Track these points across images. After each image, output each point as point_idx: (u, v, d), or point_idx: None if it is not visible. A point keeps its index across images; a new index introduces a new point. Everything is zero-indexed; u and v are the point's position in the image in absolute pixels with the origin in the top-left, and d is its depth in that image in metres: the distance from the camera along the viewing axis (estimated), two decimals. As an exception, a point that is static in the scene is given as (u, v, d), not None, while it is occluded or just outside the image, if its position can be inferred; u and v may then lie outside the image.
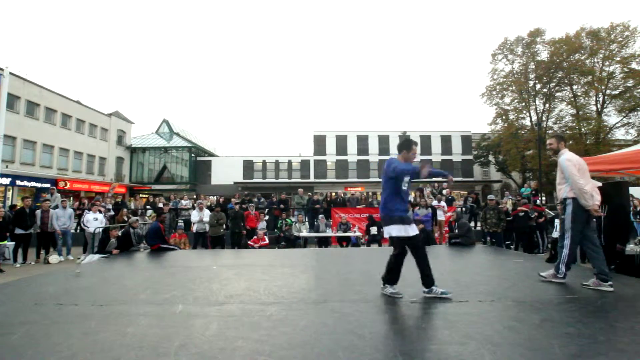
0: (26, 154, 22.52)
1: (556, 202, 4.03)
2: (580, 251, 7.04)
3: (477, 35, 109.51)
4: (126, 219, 9.67)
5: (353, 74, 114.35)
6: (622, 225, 5.79)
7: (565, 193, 3.88)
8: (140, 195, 27.68)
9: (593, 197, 3.72)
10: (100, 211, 9.83)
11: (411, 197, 12.49)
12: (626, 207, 6.09)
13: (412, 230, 3.42)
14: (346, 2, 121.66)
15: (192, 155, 35.43)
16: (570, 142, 27.06)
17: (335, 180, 34.67)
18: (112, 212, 11.16)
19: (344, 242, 10.45)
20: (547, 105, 28.80)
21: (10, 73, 11.44)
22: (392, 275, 3.56)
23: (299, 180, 34.57)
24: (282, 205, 12.26)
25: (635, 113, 25.24)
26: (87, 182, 26.75)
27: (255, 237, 9.81)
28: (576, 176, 3.73)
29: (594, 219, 3.97)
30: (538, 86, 28.99)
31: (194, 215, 10.20)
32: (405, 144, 3.55)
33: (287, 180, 34.67)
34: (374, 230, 9.68)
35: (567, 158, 3.88)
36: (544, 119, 28.40)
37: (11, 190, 21.13)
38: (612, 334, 2.41)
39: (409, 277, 4.39)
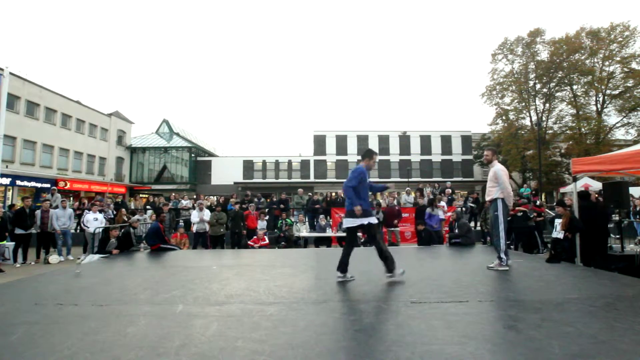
0: (26, 154, 22.51)
1: (485, 200, 5.28)
2: (580, 251, 7.08)
3: (477, 35, 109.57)
4: (125, 219, 9.67)
5: (353, 74, 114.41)
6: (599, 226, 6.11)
7: (496, 194, 4.84)
8: (140, 195, 27.68)
9: (512, 198, 4.99)
10: (100, 211, 9.84)
11: (411, 197, 12.49)
12: (599, 210, 6.44)
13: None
14: (346, 2, 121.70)
15: (192, 155, 35.43)
16: (570, 142, 27.10)
17: (335, 180, 34.66)
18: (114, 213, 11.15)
19: (343, 242, 10.43)
20: (547, 105, 28.82)
21: (10, 73, 11.44)
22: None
23: (299, 180, 34.57)
24: (282, 205, 12.26)
25: (635, 113, 25.25)
26: (87, 182, 26.75)
27: (255, 237, 9.81)
28: (507, 182, 4.86)
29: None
30: (538, 86, 29.01)
31: (194, 215, 10.19)
32: (368, 153, 4.42)
33: (287, 180, 34.68)
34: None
35: (501, 168, 4.94)
36: (544, 119, 28.42)
37: (11, 190, 21.13)
38: (612, 334, 2.40)
39: (410, 277, 4.40)
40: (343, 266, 4.21)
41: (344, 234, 10.17)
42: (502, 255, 4.77)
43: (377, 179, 35.21)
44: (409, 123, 79.89)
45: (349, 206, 4.10)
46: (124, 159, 33.21)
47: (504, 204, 4.82)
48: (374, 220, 4.14)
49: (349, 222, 4.14)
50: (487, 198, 5.00)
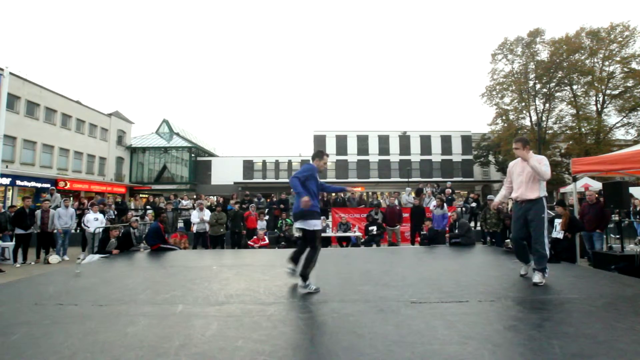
0: (26, 154, 22.50)
1: (519, 201, 4.14)
2: (580, 248, 7.07)
3: (477, 35, 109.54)
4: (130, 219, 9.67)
5: (353, 74, 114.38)
6: None
7: (542, 192, 4.00)
8: (140, 195, 27.67)
9: None
10: (101, 211, 9.86)
11: (411, 197, 12.49)
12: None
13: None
14: (346, 2, 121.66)
15: (192, 155, 35.42)
16: (571, 142, 27.08)
17: (335, 180, 34.65)
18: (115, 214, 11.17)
19: (344, 242, 10.44)
20: (547, 105, 28.80)
21: (10, 73, 11.43)
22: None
23: (299, 180, 34.49)
24: (282, 205, 12.25)
25: (635, 113, 25.23)
26: (87, 182, 26.74)
27: (255, 237, 9.81)
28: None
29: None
30: (538, 86, 28.98)
31: (194, 216, 10.20)
32: (318, 154, 4.10)
33: (287, 180, 34.58)
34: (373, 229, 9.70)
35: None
36: (544, 119, 28.40)
37: (11, 190, 21.12)
38: (612, 334, 2.40)
39: (410, 277, 4.40)
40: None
41: (344, 234, 10.25)
42: (547, 267, 4.04)
43: (377, 179, 35.28)
44: (409, 123, 79.88)
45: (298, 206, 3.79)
46: (124, 159, 33.19)
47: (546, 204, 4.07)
48: (318, 225, 3.88)
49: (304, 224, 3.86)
50: (530, 196, 3.99)
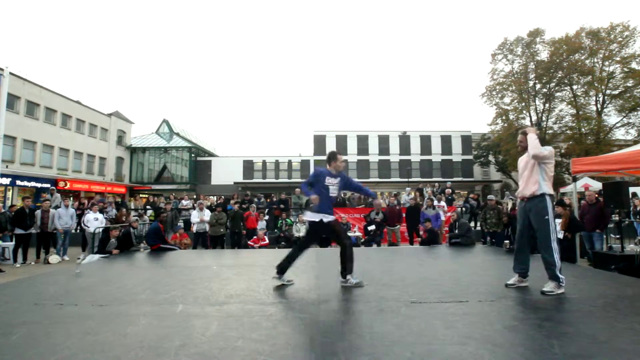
0: (26, 154, 22.49)
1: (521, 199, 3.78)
2: (580, 248, 7.05)
3: (477, 35, 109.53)
4: (124, 219, 9.66)
5: (353, 74, 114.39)
6: None
7: (544, 188, 3.55)
8: (140, 195, 27.68)
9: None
10: (101, 211, 9.85)
11: (411, 197, 12.47)
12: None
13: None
14: (346, 2, 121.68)
15: (192, 155, 35.41)
16: (571, 142, 27.08)
17: (335, 180, 34.60)
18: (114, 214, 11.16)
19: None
20: (547, 105, 28.80)
21: (10, 73, 11.43)
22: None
23: (299, 180, 34.54)
24: (282, 205, 12.25)
25: (635, 113, 25.24)
26: (87, 182, 26.72)
27: (255, 237, 9.81)
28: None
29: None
30: (538, 86, 28.98)
31: (194, 216, 10.20)
32: (332, 156, 4.25)
33: (287, 180, 34.66)
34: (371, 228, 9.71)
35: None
36: (544, 119, 28.41)
37: (11, 190, 21.11)
38: (612, 334, 2.40)
39: (410, 277, 4.41)
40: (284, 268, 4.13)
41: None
42: (559, 274, 3.48)
43: (377, 179, 35.26)
44: (409, 123, 79.95)
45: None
46: (124, 159, 33.17)
47: (553, 204, 3.55)
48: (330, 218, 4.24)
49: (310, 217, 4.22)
50: (529, 192, 3.59)
